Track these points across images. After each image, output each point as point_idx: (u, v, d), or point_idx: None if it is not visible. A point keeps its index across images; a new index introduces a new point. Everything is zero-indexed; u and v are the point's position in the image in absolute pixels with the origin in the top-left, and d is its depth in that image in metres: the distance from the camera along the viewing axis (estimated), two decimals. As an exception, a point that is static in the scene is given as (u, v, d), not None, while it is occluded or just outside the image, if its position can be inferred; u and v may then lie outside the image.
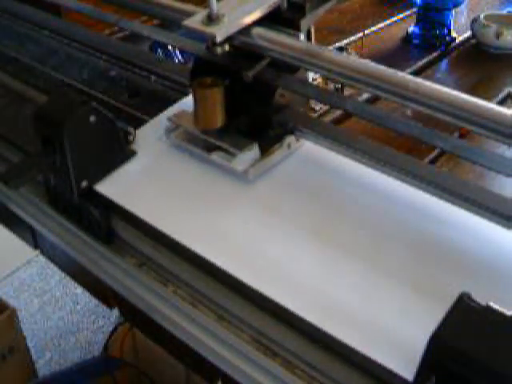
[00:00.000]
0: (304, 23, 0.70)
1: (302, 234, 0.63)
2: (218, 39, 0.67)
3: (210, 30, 0.67)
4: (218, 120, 0.69)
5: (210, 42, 0.70)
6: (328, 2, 0.72)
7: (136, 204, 0.68)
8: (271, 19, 0.70)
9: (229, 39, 0.69)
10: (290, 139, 0.72)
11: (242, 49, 0.71)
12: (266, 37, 0.69)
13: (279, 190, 0.69)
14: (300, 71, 0.72)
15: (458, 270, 0.58)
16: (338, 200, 0.67)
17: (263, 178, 0.70)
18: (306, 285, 0.58)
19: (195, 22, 0.69)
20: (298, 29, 0.70)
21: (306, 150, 0.74)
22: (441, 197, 0.62)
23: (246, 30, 0.69)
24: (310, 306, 0.56)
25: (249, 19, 0.69)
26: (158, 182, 0.72)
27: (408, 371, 0.49)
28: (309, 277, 0.59)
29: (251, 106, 0.71)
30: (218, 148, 0.71)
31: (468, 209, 0.61)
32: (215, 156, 0.71)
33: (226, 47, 0.71)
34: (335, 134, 0.70)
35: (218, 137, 0.71)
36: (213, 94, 0.68)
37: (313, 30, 0.77)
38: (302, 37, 0.70)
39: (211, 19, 0.68)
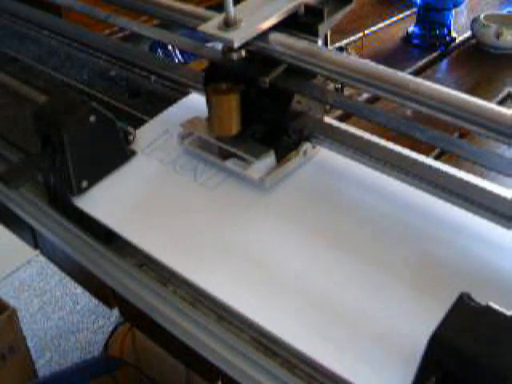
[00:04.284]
0: (322, 28, 0.69)
1: (320, 243, 0.63)
2: (236, 45, 0.66)
3: (227, 35, 0.66)
4: (234, 127, 0.68)
5: (226, 48, 0.69)
6: (346, 6, 0.70)
7: (130, 223, 0.68)
8: (288, 24, 0.69)
9: (245, 44, 0.67)
10: (307, 146, 0.71)
11: (258, 54, 0.70)
12: (283, 42, 0.68)
13: (296, 197, 0.68)
14: (317, 77, 0.70)
15: (458, 270, 0.58)
16: (354, 207, 0.67)
17: (279, 186, 0.69)
18: (323, 293, 0.58)
19: (211, 26, 0.67)
20: (315, 34, 0.69)
21: (323, 157, 0.73)
22: (440, 196, 0.62)
23: (262, 35, 0.68)
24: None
25: (266, 24, 0.67)
26: (160, 183, 0.72)
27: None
28: (322, 285, 0.59)
29: (267, 112, 0.70)
30: (234, 155, 0.70)
31: (468, 209, 0.61)
32: (230, 163, 0.70)
33: (243, 53, 0.69)
34: (352, 141, 0.69)
35: (233, 144, 0.70)
36: (228, 100, 0.67)
37: (329, 35, 0.76)
38: (320, 42, 0.69)
39: (228, 24, 0.66)
